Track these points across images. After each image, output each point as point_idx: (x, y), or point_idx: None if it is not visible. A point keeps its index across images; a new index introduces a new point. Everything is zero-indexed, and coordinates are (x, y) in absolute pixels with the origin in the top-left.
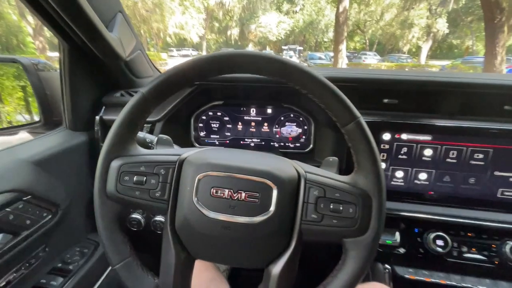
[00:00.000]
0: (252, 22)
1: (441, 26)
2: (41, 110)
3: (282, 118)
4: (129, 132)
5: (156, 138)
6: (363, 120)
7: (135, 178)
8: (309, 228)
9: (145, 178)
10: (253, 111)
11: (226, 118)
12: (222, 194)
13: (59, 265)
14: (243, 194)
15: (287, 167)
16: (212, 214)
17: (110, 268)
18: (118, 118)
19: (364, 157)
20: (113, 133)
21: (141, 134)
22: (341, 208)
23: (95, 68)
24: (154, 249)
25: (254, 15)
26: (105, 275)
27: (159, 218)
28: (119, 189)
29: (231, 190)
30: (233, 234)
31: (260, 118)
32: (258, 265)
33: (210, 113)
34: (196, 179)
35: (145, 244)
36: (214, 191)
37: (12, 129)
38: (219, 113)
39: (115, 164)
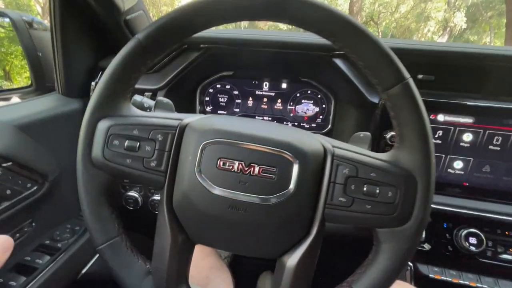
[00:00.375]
0: None
1: (459, 20)
2: (32, 73)
3: (298, 95)
4: (121, 87)
5: (154, 103)
6: (413, 82)
7: (126, 143)
8: (335, 213)
9: (138, 143)
10: (265, 85)
11: (236, 92)
12: (230, 167)
13: (47, 242)
14: (257, 168)
15: (310, 140)
16: (217, 191)
17: None
18: (108, 69)
19: (411, 129)
20: (102, 86)
21: (138, 98)
22: (377, 191)
23: (91, 26)
24: (150, 230)
25: None
26: (97, 256)
27: (158, 197)
28: (107, 155)
29: (242, 163)
30: (241, 215)
31: (273, 94)
32: (270, 254)
33: (218, 86)
34: (200, 148)
35: (141, 224)
36: (221, 163)
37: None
38: (227, 86)
39: (102, 124)
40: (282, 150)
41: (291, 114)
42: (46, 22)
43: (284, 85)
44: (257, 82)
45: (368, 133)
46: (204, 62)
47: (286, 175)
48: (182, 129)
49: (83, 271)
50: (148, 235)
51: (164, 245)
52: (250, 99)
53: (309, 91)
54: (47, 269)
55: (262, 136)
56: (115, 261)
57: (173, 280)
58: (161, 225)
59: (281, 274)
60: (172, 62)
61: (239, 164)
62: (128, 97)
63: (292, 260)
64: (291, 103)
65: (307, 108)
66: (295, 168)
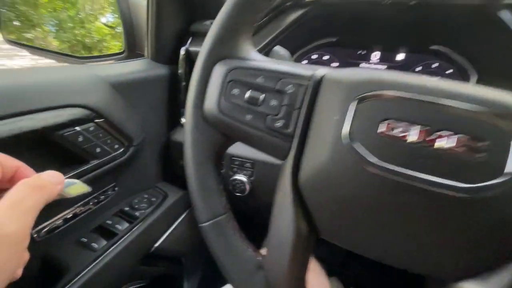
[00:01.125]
0: None
1: None
2: (126, 40)
3: (418, 69)
4: (247, 19)
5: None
6: None
7: (248, 94)
8: None
9: (263, 96)
10: (375, 56)
11: (335, 64)
12: (403, 135)
13: (126, 209)
14: (452, 139)
15: None
16: (377, 168)
17: (176, 223)
18: None
19: None
20: (225, 17)
21: None
22: None
23: None
24: None
25: None
26: (170, 230)
27: (240, 177)
28: (223, 108)
29: (427, 128)
30: (414, 208)
31: (384, 67)
32: (444, 274)
33: (314, 56)
34: (352, 104)
35: None
36: (388, 127)
37: (95, 59)
38: (326, 57)
39: (221, 68)
40: (496, 113)
41: None
42: None
43: (400, 56)
44: (364, 52)
45: None
46: (306, 24)
47: (501, 154)
48: (318, 81)
49: (156, 245)
50: None
51: (286, 236)
52: None
53: (435, 64)
54: (126, 236)
55: (458, 91)
56: (219, 244)
57: (292, 284)
58: (280, 208)
59: None
60: (272, 23)
61: (420, 130)
62: (251, 37)
63: None
64: None
65: None
66: None
